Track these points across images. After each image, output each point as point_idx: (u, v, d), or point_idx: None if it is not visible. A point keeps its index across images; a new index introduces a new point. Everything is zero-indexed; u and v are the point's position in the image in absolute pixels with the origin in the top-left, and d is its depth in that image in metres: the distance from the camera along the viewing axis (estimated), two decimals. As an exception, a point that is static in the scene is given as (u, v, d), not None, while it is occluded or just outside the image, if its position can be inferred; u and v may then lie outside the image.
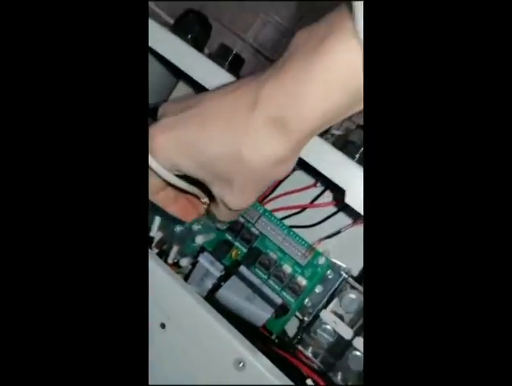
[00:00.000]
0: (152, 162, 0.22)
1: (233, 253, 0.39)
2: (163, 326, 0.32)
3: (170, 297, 0.33)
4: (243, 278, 0.36)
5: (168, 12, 0.46)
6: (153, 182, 0.25)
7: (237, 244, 0.39)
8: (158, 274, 0.32)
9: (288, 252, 0.38)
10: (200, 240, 0.37)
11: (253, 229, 0.38)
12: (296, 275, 0.38)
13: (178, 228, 0.40)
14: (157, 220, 0.39)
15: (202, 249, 0.38)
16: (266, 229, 0.38)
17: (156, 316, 0.32)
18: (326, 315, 0.35)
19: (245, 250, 0.39)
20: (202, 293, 0.36)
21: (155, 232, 0.40)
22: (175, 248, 0.39)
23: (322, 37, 0.17)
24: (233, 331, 0.31)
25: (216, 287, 0.38)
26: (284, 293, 0.37)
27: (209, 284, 0.37)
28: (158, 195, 0.27)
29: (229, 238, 0.39)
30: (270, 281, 0.38)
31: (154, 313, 0.31)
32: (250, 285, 0.36)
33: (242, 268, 0.37)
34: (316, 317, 0.35)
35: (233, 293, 0.36)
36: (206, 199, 0.30)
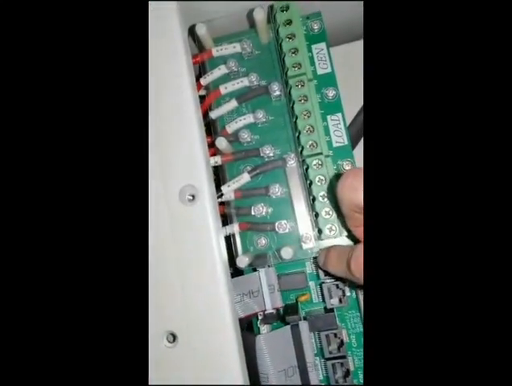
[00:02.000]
0: None
1: (303, 296, 0.27)
2: (172, 338, 0.20)
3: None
4: (297, 341, 0.24)
5: None
6: None
7: (312, 289, 0.27)
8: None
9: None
10: (287, 253, 0.25)
11: (345, 285, 0.26)
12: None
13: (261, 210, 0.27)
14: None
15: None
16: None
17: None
18: None
19: (318, 304, 0.27)
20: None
21: (229, 191, 0.27)
22: (234, 227, 0.27)
23: None
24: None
25: (249, 324, 0.26)
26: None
27: (247, 309, 0.25)
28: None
29: (309, 275, 0.27)
30: (322, 364, 0.26)
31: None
32: (300, 355, 0.24)
33: (303, 326, 0.25)
34: None
35: (271, 351, 0.24)
36: None
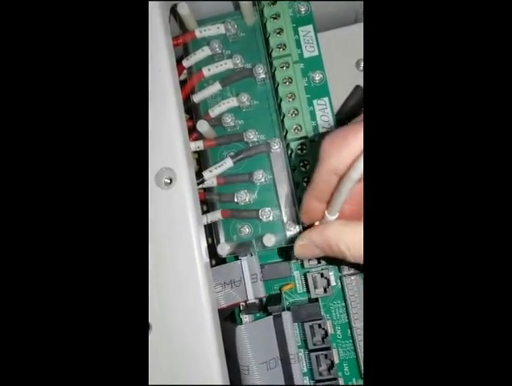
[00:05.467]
0: None
1: (286, 286, 0.26)
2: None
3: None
4: (280, 331, 0.24)
5: None
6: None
7: (296, 278, 0.26)
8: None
9: (356, 338, 0.25)
10: (269, 241, 0.24)
11: (331, 274, 0.25)
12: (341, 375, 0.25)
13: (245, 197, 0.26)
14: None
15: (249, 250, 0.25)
16: (351, 289, 0.25)
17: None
18: None
19: (303, 295, 0.26)
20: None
21: (212, 177, 0.26)
22: (217, 214, 0.26)
23: None
24: None
25: (231, 314, 0.26)
26: None
27: (229, 299, 0.25)
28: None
29: (293, 264, 0.26)
30: (306, 356, 0.25)
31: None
32: (282, 346, 0.23)
33: (286, 317, 0.24)
34: None
35: (252, 342, 0.23)
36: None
